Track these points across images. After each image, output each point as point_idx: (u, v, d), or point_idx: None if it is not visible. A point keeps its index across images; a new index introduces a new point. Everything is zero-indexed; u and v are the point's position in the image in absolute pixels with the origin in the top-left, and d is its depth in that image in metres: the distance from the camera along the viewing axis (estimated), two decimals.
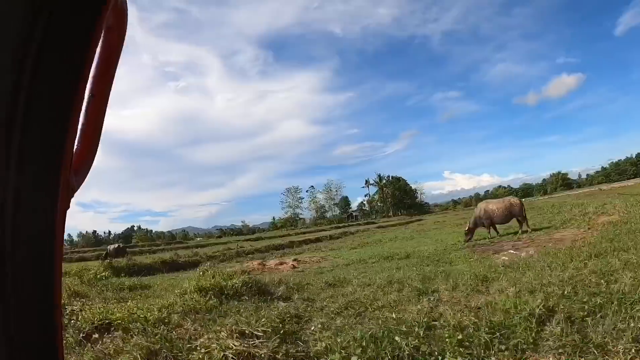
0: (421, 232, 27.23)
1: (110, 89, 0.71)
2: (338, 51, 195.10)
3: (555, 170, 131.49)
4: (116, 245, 30.48)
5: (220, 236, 77.37)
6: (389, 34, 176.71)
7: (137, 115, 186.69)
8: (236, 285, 6.54)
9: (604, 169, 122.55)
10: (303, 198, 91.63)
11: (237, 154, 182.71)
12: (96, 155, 0.73)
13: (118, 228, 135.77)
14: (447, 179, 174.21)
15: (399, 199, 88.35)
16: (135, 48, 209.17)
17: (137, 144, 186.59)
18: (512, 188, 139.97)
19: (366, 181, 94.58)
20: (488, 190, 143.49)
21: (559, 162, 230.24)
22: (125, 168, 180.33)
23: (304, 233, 55.92)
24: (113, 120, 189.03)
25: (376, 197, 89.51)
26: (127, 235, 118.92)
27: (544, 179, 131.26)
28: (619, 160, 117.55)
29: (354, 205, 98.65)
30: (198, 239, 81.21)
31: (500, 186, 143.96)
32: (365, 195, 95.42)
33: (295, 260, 15.83)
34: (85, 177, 0.69)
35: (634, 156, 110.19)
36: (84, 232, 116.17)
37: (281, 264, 15.34)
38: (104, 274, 13.95)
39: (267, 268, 14.54)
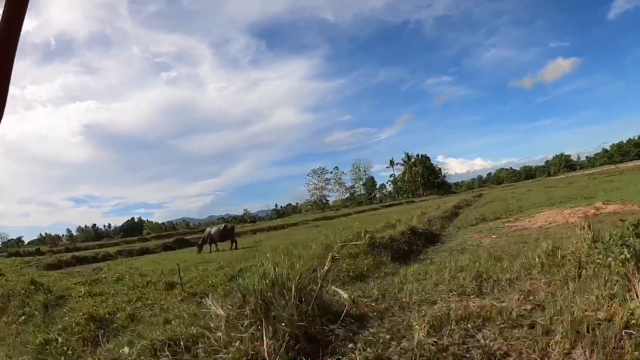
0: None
1: (14, 53, 0.74)
2: (330, 38, 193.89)
3: (548, 154, 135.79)
4: (220, 226, 22.51)
5: (254, 221, 73.91)
6: (382, 20, 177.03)
7: (129, 107, 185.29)
8: None
9: (605, 150, 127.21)
10: (330, 179, 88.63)
11: (229, 143, 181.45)
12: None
13: (113, 222, 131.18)
14: (440, 164, 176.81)
15: (427, 178, 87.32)
16: (126, 40, 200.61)
17: (129, 137, 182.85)
18: (514, 170, 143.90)
19: (391, 161, 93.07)
20: (490, 173, 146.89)
21: (552, 146, 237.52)
22: (118, 161, 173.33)
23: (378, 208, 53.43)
24: (105, 113, 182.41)
25: (405, 176, 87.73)
26: (129, 228, 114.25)
27: (546, 161, 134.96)
28: (620, 142, 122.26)
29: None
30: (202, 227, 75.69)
31: (502, 169, 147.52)
32: (391, 176, 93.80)
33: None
34: None
35: (636, 137, 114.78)
36: (84, 226, 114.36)
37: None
38: None
39: None
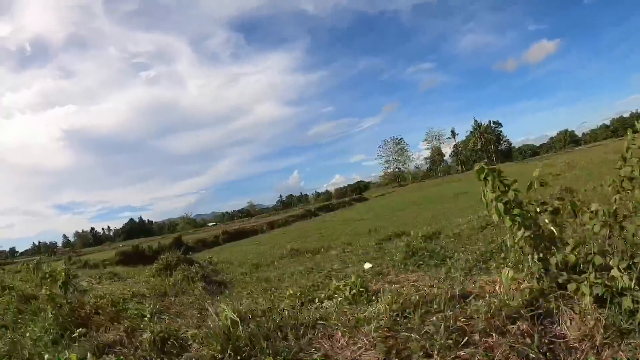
0: None
1: None
2: (309, 30, 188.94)
3: (529, 135, 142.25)
4: None
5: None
6: (360, 10, 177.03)
7: (108, 109, 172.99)
8: None
9: (606, 126, 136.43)
10: (407, 150, 79.74)
11: (211, 140, 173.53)
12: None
13: (98, 227, 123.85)
14: (423, 150, 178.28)
15: (496, 147, 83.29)
16: (103, 41, 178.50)
17: (111, 139, 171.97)
18: (516, 148, 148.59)
19: (452, 131, 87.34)
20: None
21: (533, 127, 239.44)
22: (99, 165, 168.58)
23: None
24: (85, 117, 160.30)
25: (475, 144, 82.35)
26: (130, 229, 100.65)
27: (550, 138, 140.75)
28: (621, 116, 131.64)
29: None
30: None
31: None
32: (454, 146, 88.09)
33: None
34: None
35: (638, 111, 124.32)
36: (81, 231, 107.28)
37: None
38: None
39: None
